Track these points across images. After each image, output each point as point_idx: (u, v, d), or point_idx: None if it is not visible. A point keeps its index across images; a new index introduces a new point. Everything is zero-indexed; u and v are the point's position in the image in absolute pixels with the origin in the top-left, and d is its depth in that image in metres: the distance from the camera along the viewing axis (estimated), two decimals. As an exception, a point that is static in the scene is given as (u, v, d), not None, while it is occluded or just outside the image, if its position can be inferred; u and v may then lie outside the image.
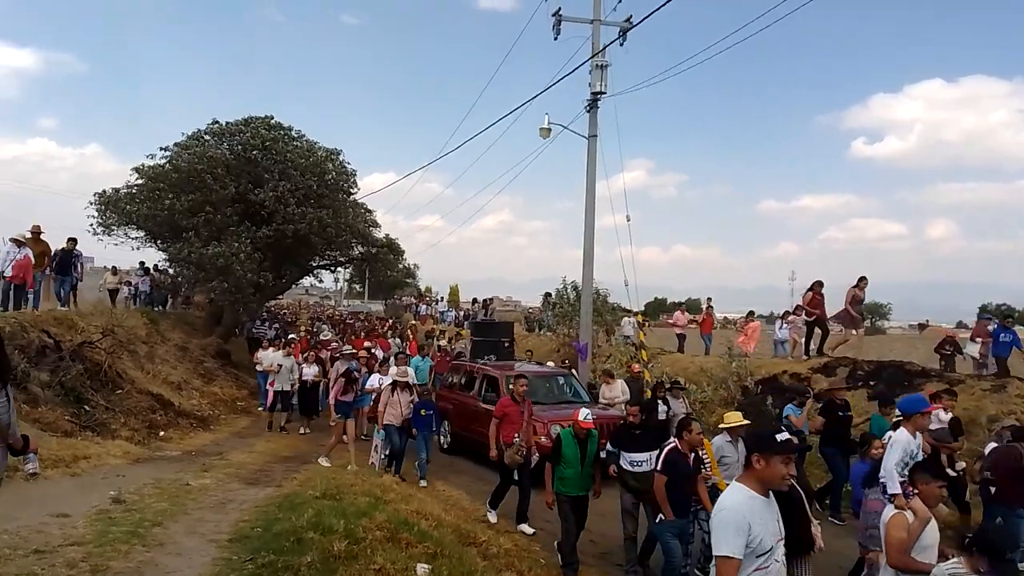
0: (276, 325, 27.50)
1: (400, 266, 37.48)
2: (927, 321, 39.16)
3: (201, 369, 18.76)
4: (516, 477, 9.00)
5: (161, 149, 21.64)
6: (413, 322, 32.58)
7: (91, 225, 21.89)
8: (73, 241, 16.64)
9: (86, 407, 11.91)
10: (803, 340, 16.10)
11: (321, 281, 33.68)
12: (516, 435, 8.91)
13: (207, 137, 22.29)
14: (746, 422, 7.52)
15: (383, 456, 11.08)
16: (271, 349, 16.87)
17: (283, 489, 8.60)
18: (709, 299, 22.80)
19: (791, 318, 17.04)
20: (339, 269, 33.22)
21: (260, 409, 16.87)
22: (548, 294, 24.37)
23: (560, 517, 7.56)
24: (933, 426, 9.27)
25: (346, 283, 69.80)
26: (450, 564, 6.05)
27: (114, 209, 21.76)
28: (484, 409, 12.06)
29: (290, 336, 20.68)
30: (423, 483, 10.30)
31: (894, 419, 8.80)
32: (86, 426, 11.29)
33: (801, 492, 5.26)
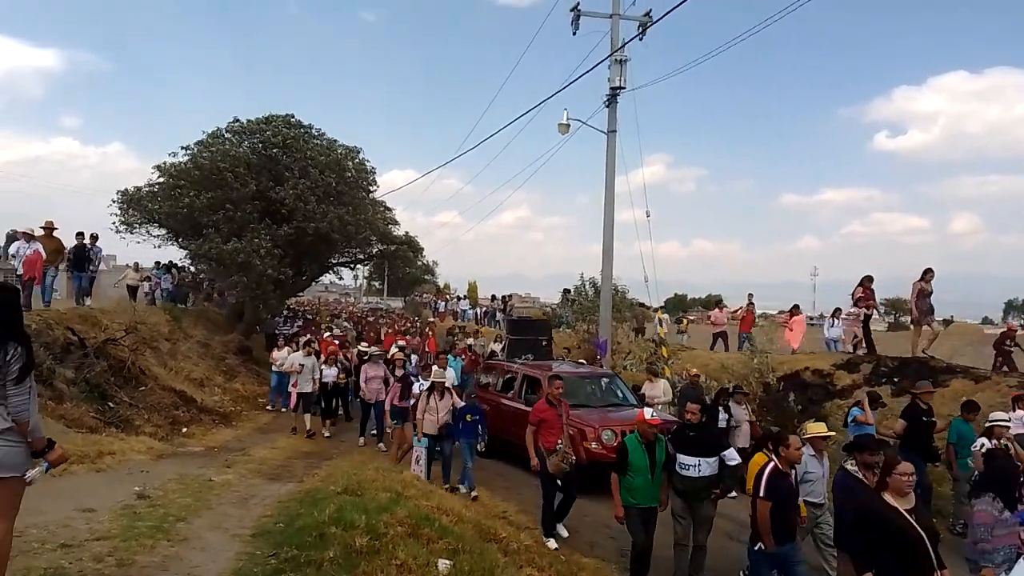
0: (298, 323, 27.41)
1: (419, 263, 37.60)
2: (951, 316, 38.74)
3: (223, 366, 18.91)
4: (560, 487, 8.39)
5: (183, 148, 21.90)
6: (431, 319, 32.66)
7: (113, 223, 22.19)
8: (84, 235, 16.54)
9: (110, 403, 12.04)
10: (863, 334, 15.35)
11: (341, 278, 33.92)
12: (559, 440, 8.30)
13: (228, 135, 22.47)
14: (831, 433, 7.02)
15: (423, 468, 10.26)
16: (287, 348, 16.73)
17: (305, 485, 8.63)
18: (750, 295, 21.59)
19: (852, 310, 15.72)
20: (358, 266, 33.40)
21: (269, 408, 16.80)
22: (567, 290, 24.33)
23: (629, 532, 7.02)
24: (1017, 430, 9.06)
25: (365, 280, 70.14)
26: (471, 560, 6.04)
27: (136, 207, 22.02)
28: (527, 412, 11.39)
29: (306, 338, 20.37)
30: (474, 494, 9.58)
31: (987, 424, 8.51)
32: (110, 422, 11.41)
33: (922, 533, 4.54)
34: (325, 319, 31.69)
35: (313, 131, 23.52)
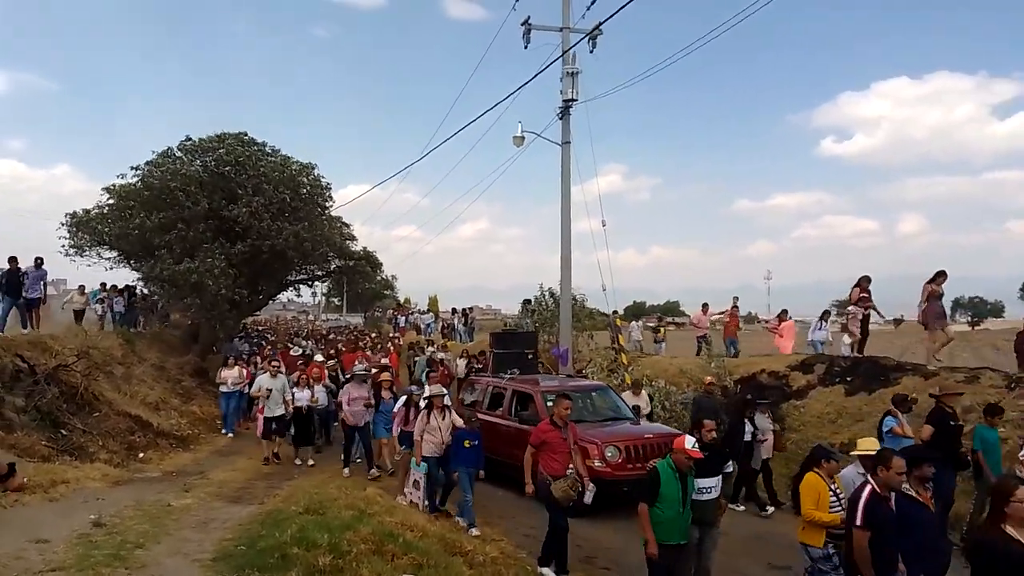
0: (253, 340, 26.78)
1: (378, 278, 37.32)
2: (902, 316, 39.72)
3: (179, 388, 18.56)
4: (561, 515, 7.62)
5: (132, 168, 21.48)
6: (393, 335, 32.47)
7: (63, 246, 21.70)
8: (17, 260, 15.48)
9: (63, 431, 11.75)
10: (860, 334, 14.74)
11: (299, 296, 33.49)
12: (569, 466, 7.62)
13: (179, 154, 22.14)
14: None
15: (423, 494, 9.44)
16: (236, 368, 16.20)
17: (266, 506, 8.55)
18: (735, 298, 20.66)
19: (851, 309, 15.01)
20: (316, 283, 33.09)
21: (225, 433, 16.04)
22: (527, 301, 24.46)
23: (651, 572, 6.27)
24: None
25: (324, 297, 69.50)
26: (436, 574, 6.06)
27: (85, 229, 21.57)
28: (517, 429, 11.25)
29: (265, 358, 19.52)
30: (474, 531, 8.61)
31: None
32: (64, 450, 11.13)
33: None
34: (283, 339, 31.15)
35: (267, 148, 23.31)
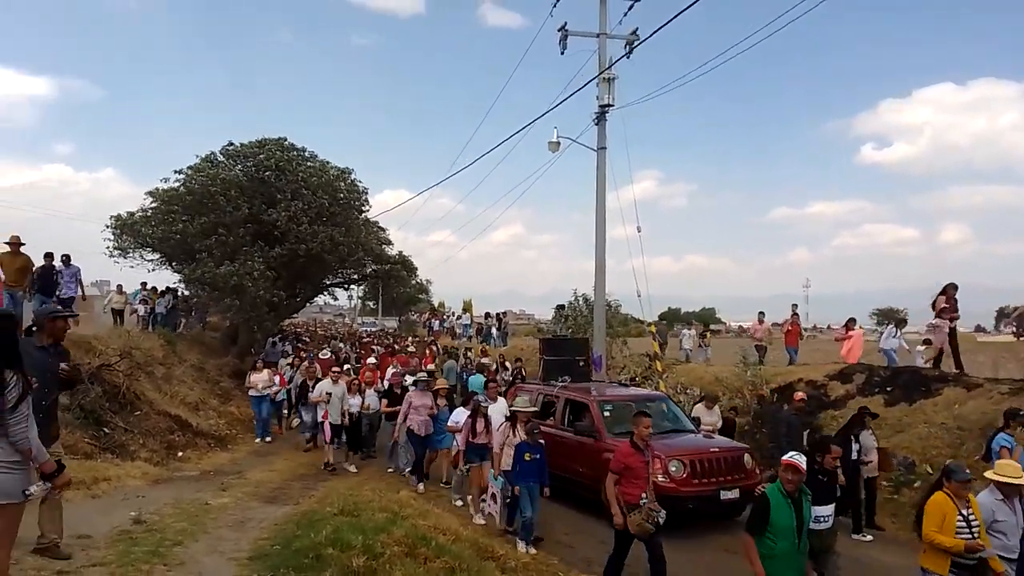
0: (289, 343, 26.96)
1: (413, 282, 37.55)
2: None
3: (218, 389, 18.86)
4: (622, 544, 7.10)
5: (175, 172, 21.95)
6: (428, 338, 32.63)
7: (107, 248, 22.26)
8: (53, 256, 15.05)
9: (105, 429, 11.99)
10: (951, 348, 13.69)
11: (335, 299, 33.86)
12: (643, 494, 6.91)
13: (221, 159, 22.57)
14: None
15: (500, 507, 9.13)
16: (266, 371, 16.01)
17: (301, 507, 8.65)
18: (794, 306, 20.01)
19: (935, 321, 13.74)
20: (352, 287, 33.44)
21: (257, 438, 15.71)
22: (560, 306, 24.43)
23: None
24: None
25: (360, 300, 70.10)
26: (468, 578, 6.07)
27: (129, 232, 22.10)
28: (574, 440, 10.82)
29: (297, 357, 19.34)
30: (531, 550, 8.25)
31: None
32: (106, 448, 11.37)
33: None
34: (319, 342, 31.47)
35: (306, 153, 23.65)
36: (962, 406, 11.76)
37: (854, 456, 9.63)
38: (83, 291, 16.00)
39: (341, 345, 29.21)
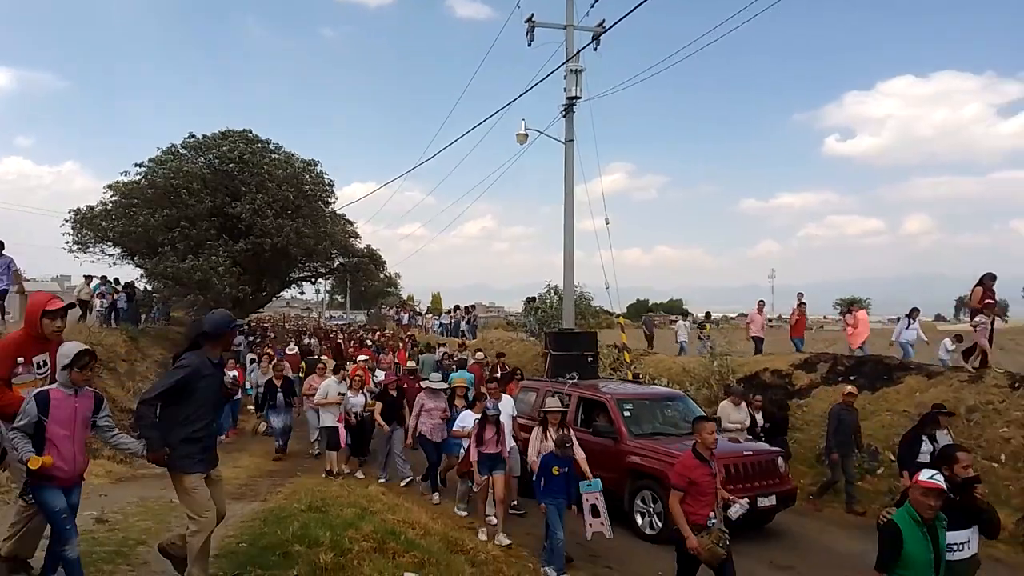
0: (251, 338, 25.90)
1: (382, 275, 37.37)
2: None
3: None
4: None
5: (136, 165, 21.62)
6: (401, 332, 32.46)
7: (67, 243, 21.83)
8: None
9: (66, 427, 11.75)
10: (987, 343, 12.42)
11: (302, 293, 33.68)
12: (711, 512, 5.90)
13: (183, 151, 22.24)
14: None
15: (604, 518, 7.81)
16: (235, 369, 14.63)
17: (268, 503, 8.55)
18: (800, 295, 18.84)
19: (979, 320, 12.40)
20: (319, 280, 33.26)
21: (222, 439, 13.38)
22: (531, 299, 24.47)
23: None
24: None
25: (327, 294, 69.68)
26: (438, 572, 6.05)
27: (89, 226, 21.69)
28: (593, 443, 9.59)
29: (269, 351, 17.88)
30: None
31: None
32: (67, 446, 11.14)
33: None
34: (285, 337, 30.99)
35: (270, 145, 23.40)
36: (923, 394, 11.99)
37: (926, 459, 8.48)
38: (21, 285, 14.87)
39: (309, 341, 28.74)
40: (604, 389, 11.01)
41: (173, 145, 22.31)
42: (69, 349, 4.65)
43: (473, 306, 35.46)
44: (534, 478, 7.89)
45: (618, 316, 19.80)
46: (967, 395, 11.40)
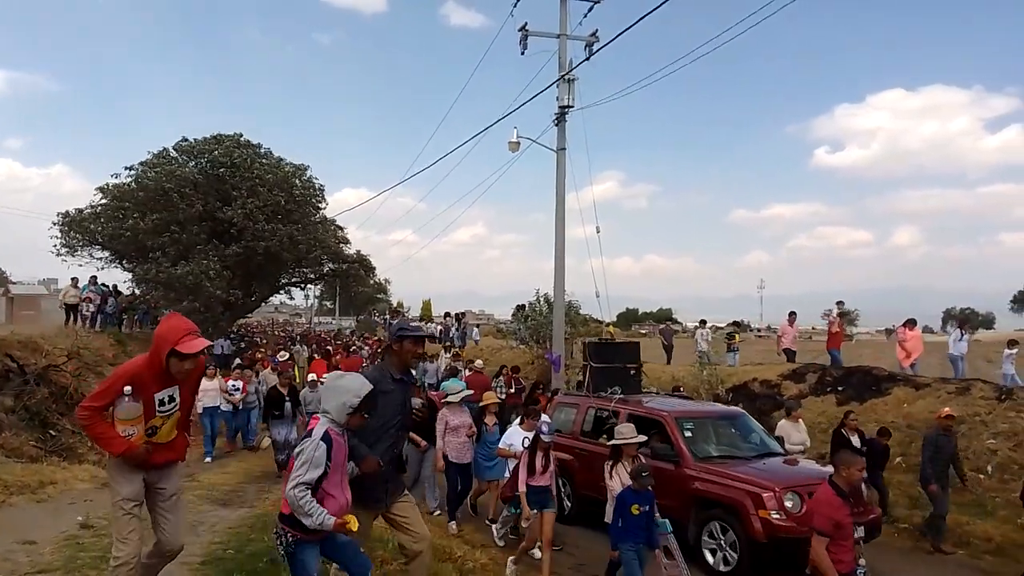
0: (239, 344, 25.61)
1: (372, 282, 37.35)
2: (894, 326, 39.86)
3: (170, 390, 18.42)
4: None
5: (127, 168, 21.51)
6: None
7: (55, 246, 21.69)
8: None
9: (52, 431, 11.69)
10: None
11: (292, 298, 33.55)
12: (859, 559, 5.37)
13: (175, 155, 22.17)
14: None
15: (679, 559, 7.03)
16: (217, 379, 14.07)
17: (256, 509, 8.50)
18: (839, 303, 17.92)
19: None
20: (309, 286, 33.18)
21: (208, 460, 13.34)
22: (520, 306, 24.43)
23: None
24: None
25: (317, 300, 69.47)
26: (426, 580, 6.02)
27: (78, 229, 21.57)
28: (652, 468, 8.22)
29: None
30: None
31: None
32: (52, 451, 11.07)
33: None
34: (274, 342, 30.68)
35: (261, 150, 23.35)
36: (911, 405, 12.07)
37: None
38: (7, 288, 15.25)
39: (298, 348, 28.22)
40: (656, 405, 9.97)
41: (165, 148, 22.27)
42: (358, 389, 3.93)
43: (463, 313, 35.38)
44: (607, 519, 7.03)
45: (608, 325, 19.82)
46: (954, 407, 11.45)
